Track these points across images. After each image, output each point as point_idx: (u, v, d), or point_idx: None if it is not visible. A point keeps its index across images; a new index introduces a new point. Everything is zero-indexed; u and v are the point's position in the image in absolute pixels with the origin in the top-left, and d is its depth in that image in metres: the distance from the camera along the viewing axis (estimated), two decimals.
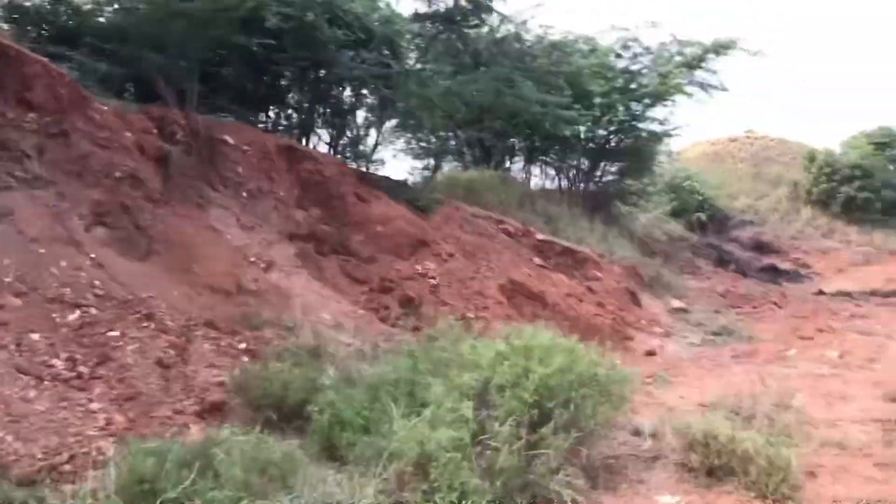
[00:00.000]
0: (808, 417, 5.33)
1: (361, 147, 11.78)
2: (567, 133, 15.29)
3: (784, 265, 24.37)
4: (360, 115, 12.73)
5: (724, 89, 16.02)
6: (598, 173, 18.54)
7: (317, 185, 9.26)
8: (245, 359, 5.50)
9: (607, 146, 18.09)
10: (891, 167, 26.61)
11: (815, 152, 28.08)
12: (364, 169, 11.26)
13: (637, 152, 19.07)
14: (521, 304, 9.35)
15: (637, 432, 4.78)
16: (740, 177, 29.91)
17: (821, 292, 18.89)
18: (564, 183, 18.60)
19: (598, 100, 16.60)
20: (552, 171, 19.13)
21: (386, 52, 11.35)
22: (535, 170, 19.17)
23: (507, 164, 18.50)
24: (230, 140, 8.57)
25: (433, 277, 8.97)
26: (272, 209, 8.44)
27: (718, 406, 5.41)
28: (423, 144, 14.30)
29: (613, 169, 19.71)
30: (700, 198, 26.88)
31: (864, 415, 5.71)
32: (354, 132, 11.13)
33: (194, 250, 6.76)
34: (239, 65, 9.85)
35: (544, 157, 18.79)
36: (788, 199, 28.07)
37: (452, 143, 16.82)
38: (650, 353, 8.44)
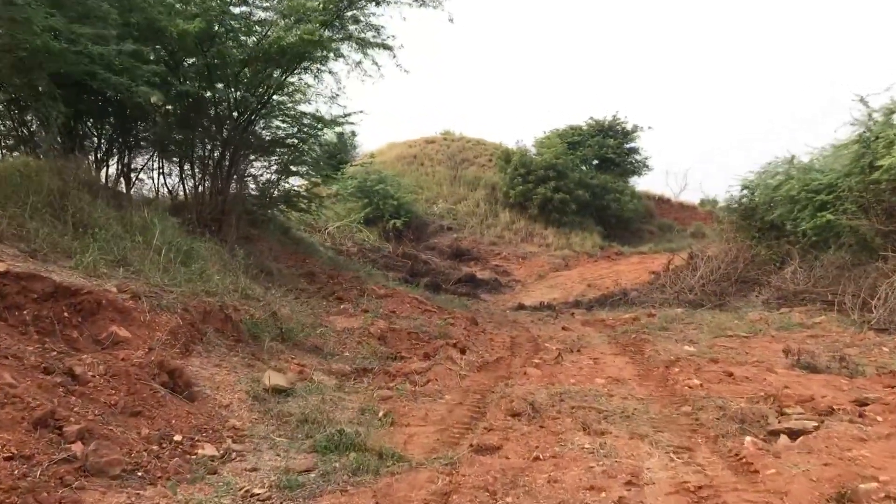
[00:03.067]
0: None
1: None
2: (154, 99, 9.25)
3: (484, 274, 20.68)
4: None
5: (388, 47, 11.01)
6: (238, 167, 12.56)
7: None
8: None
9: (249, 129, 12.32)
10: (583, 167, 24.29)
11: (510, 152, 25.06)
12: None
13: (303, 144, 13.65)
14: None
15: None
16: (438, 180, 26.08)
17: (521, 307, 15.15)
18: (191, 182, 12.45)
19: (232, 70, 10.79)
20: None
21: None
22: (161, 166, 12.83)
23: (115, 155, 11.86)
24: None
25: None
26: None
27: None
28: None
29: (271, 165, 14.01)
30: (395, 203, 22.61)
31: None
32: None
33: None
34: None
35: (172, 147, 12.46)
36: (486, 202, 24.72)
37: None
38: None
